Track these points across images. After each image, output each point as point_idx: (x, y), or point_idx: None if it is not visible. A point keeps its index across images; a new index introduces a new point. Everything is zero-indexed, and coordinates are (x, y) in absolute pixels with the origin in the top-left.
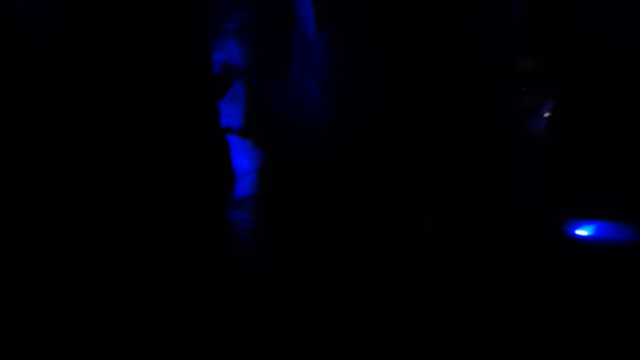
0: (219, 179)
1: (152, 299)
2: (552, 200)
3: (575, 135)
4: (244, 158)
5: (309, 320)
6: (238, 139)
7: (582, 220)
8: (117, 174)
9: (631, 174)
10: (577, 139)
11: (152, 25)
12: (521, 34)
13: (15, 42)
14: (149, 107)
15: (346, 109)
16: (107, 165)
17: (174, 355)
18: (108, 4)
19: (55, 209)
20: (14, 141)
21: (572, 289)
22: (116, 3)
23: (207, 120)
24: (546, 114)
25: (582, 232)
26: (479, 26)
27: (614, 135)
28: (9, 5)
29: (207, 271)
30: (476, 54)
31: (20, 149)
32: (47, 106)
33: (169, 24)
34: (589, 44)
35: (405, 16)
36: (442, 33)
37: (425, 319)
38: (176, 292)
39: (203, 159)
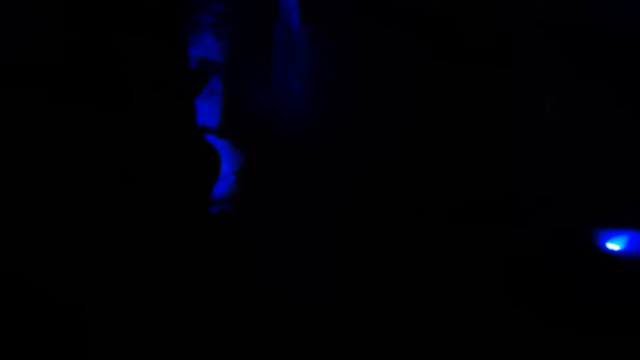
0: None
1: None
2: (578, 206)
3: (601, 136)
4: (222, 160)
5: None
6: (215, 139)
7: (613, 230)
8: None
9: None
10: (603, 140)
11: (149, 18)
12: (544, 30)
13: (25, 38)
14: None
15: (334, 108)
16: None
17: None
18: None
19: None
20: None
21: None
22: None
23: (186, 118)
24: (551, 113)
25: (613, 245)
26: (493, 21)
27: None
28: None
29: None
30: (487, 53)
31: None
32: (53, 100)
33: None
34: (607, 43)
35: (403, 9)
36: (448, 29)
37: (432, 315)
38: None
39: (182, 158)
